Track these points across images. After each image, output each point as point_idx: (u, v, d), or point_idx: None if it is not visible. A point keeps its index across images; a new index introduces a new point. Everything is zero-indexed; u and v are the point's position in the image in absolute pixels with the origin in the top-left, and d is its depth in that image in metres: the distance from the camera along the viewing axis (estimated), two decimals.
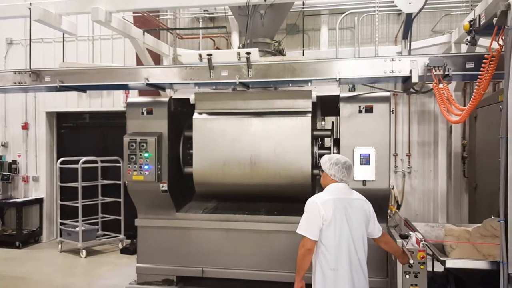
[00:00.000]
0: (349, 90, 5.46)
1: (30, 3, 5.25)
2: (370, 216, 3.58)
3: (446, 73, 4.24)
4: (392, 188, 7.52)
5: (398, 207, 7.73)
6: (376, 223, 3.66)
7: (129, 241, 8.21)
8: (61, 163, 8.18)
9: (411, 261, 3.58)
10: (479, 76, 3.63)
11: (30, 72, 5.35)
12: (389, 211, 4.54)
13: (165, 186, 5.60)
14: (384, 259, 4.91)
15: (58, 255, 7.98)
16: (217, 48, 8.27)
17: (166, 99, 5.76)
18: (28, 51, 6.15)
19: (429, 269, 3.88)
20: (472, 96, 3.67)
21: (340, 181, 3.56)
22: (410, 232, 3.86)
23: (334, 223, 3.38)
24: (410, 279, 3.62)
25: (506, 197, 3.27)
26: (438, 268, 3.98)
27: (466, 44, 4.19)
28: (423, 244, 3.66)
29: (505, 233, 3.27)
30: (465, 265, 3.64)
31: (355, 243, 3.42)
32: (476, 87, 3.66)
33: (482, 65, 3.57)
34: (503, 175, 3.28)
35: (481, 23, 3.68)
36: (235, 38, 7.96)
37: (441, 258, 3.64)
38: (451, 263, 3.62)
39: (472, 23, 3.88)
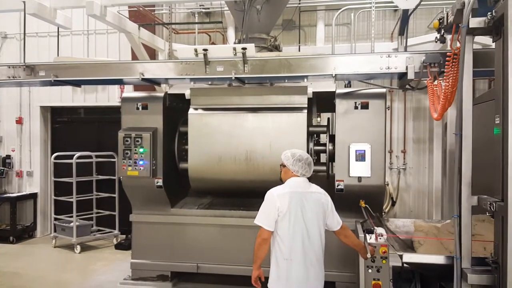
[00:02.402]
0: (345, 86, 5.47)
1: None
2: (328, 209, 3.65)
3: (442, 69, 4.24)
4: (387, 184, 7.55)
5: (393, 203, 7.76)
6: (335, 216, 3.71)
7: (123, 236, 8.19)
8: (56, 158, 8.13)
9: (368, 256, 3.64)
10: (444, 74, 3.68)
11: (24, 66, 5.32)
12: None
13: (160, 182, 5.59)
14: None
15: (52, 250, 7.95)
16: (213, 43, 8.24)
17: (162, 94, 5.73)
18: (22, 45, 6.09)
19: (399, 264, 3.93)
20: (442, 94, 3.69)
21: (302, 176, 3.65)
22: (375, 227, 3.90)
23: (289, 215, 3.49)
24: (373, 273, 3.67)
25: (460, 192, 3.37)
26: None
27: (436, 42, 4.22)
28: (382, 239, 3.70)
29: (459, 228, 3.37)
30: (421, 260, 3.73)
31: (309, 235, 3.52)
32: (445, 84, 3.69)
33: (446, 62, 3.63)
34: (457, 171, 3.36)
35: (449, 21, 3.71)
36: (231, 33, 7.93)
37: (398, 253, 3.70)
38: (407, 258, 3.68)
39: (441, 21, 3.90)
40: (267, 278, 3.62)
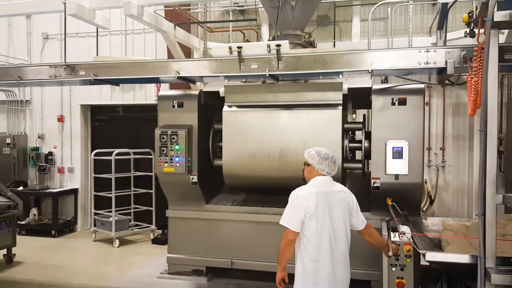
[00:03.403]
0: (381, 82, 5.35)
1: None
2: (353, 208, 3.60)
3: None
4: (425, 182, 7.36)
5: (431, 202, 7.57)
6: (359, 215, 3.66)
7: (160, 231, 8.35)
8: (95, 154, 8.38)
9: (390, 254, 3.60)
10: (473, 68, 3.57)
11: (65, 66, 5.48)
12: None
13: (195, 178, 5.67)
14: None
15: (92, 244, 8.21)
16: (247, 41, 8.25)
17: (197, 92, 5.81)
18: (63, 45, 6.28)
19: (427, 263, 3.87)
20: (473, 89, 3.58)
21: (328, 175, 3.59)
22: (400, 225, 3.84)
23: (316, 215, 3.42)
24: (396, 271, 3.63)
25: (485, 190, 3.26)
26: None
27: (465, 36, 4.09)
28: (405, 237, 3.65)
29: (483, 227, 3.27)
30: (444, 259, 3.63)
31: (336, 235, 3.46)
32: (474, 79, 3.57)
33: (474, 57, 3.52)
34: (481, 168, 3.26)
35: (478, 14, 3.59)
36: (265, 31, 7.92)
37: (420, 251, 3.60)
38: (430, 257, 3.58)
39: (470, 14, 3.76)
40: (290, 278, 3.57)
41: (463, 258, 3.51)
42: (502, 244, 3.68)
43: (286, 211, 3.51)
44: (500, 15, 3.18)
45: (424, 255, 3.56)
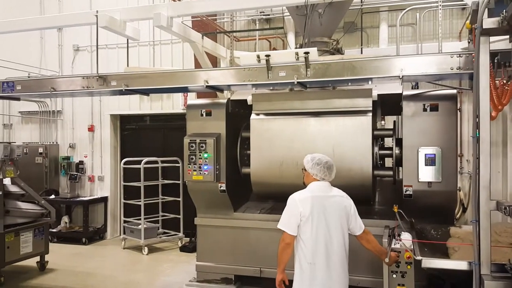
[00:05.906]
0: (412, 88, 5.27)
1: (97, 11, 5.50)
2: (350, 212, 3.63)
3: None
4: (459, 190, 7.18)
5: (464, 210, 7.37)
6: (357, 220, 3.68)
7: (187, 239, 8.40)
8: (125, 163, 8.52)
9: (387, 260, 3.59)
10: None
11: (97, 77, 5.62)
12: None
13: (223, 186, 5.68)
14: None
15: (121, 251, 8.33)
16: (274, 49, 8.28)
17: (224, 101, 5.84)
18: (94, 57, 6.42)
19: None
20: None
21: (322, 180, 3.65)
22: (402, 232, 3.82)
23: (311, 219, 3.50)
24: (398, 278, 3.63)
25: (479, 197, 3.27)
26: None
27: (469, 43, 4.01)
28: (402, 244, 3.66)
29: (478, 234, 3.27)
30: (441, 265, 3.65)
31: (332, 238, 3.52)
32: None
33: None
34: (474, 174, 3.29)
35: (470, 21, 3.62)
36: (291, 39, 7.94)
37: (416, 258, 3.61)
38: (427, 263, 3.61)
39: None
40: (290, 281, 3.63)
41: (459, 265, 3.54)
42: (508, 252, 3.68)
43: (283, 215, 3.64)
44: (489, 22, 3.22)
45: (420, 261, 3.59)
